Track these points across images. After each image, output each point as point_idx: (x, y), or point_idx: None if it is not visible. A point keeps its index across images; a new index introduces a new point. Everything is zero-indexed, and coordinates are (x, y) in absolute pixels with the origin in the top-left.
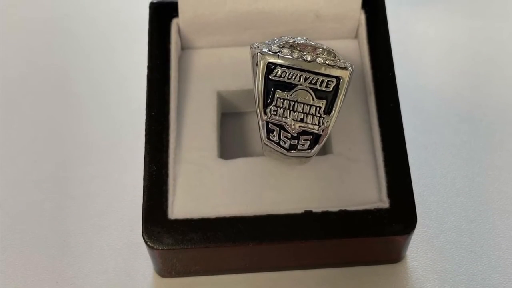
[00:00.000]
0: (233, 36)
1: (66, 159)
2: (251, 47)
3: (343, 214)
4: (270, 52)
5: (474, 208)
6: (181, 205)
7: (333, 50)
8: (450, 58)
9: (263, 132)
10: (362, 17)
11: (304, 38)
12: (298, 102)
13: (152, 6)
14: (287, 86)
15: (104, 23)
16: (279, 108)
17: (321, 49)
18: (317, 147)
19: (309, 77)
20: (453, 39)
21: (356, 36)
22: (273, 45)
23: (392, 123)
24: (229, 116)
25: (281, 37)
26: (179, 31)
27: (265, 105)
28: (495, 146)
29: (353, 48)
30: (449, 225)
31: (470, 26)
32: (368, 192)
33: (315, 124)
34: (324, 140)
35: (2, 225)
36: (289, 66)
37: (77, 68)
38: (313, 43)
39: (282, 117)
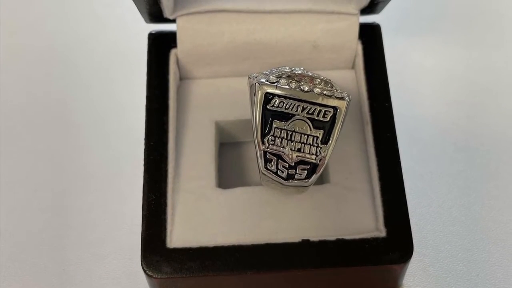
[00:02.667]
0: (231, 66)
1: (66, 189)
2: (249, 78)
3: (340, 243)
4: (267, 83)
5: (470, 237)
6: (180, 234)
7: (330, 80)
8: (446, 88)
9: (261, 162)
10: (359, 47)
11: (302, 68)
12: (296, 132)
13: (151, 37)
14: (285, 116)
15: (103, 53)
16: (276, 138)
17: (318, 79)
18: (314, 177)
19: (307, 107)
20: (450, 69)
21: (353, 67)
22: (271, 75)
23: (388, 152)
24: (228, 146)
25: (278, 67)
26: (177, 62)
27: (263, 135)
28: (491, 175)
29: (350, 78)
30: (445, 254)
31: (466, 56)
32: (365, 221)
33: (313, 154)
34: (321, 170)
35: (2, 254)
36: (286, 96)
37: (76, 98)
38: (310, 74)
39: (279, 147)
